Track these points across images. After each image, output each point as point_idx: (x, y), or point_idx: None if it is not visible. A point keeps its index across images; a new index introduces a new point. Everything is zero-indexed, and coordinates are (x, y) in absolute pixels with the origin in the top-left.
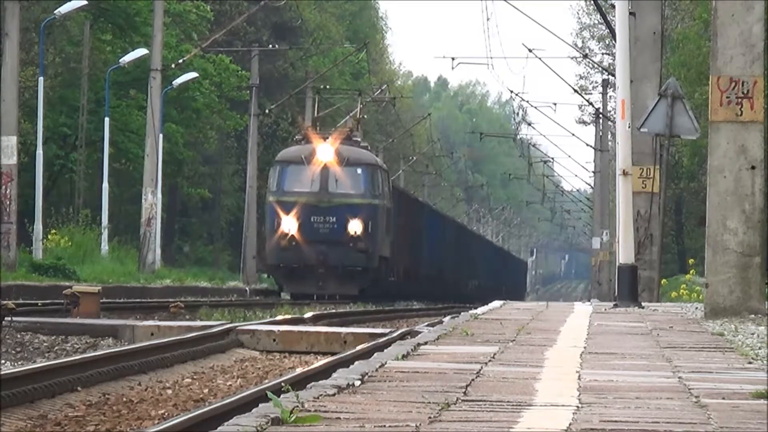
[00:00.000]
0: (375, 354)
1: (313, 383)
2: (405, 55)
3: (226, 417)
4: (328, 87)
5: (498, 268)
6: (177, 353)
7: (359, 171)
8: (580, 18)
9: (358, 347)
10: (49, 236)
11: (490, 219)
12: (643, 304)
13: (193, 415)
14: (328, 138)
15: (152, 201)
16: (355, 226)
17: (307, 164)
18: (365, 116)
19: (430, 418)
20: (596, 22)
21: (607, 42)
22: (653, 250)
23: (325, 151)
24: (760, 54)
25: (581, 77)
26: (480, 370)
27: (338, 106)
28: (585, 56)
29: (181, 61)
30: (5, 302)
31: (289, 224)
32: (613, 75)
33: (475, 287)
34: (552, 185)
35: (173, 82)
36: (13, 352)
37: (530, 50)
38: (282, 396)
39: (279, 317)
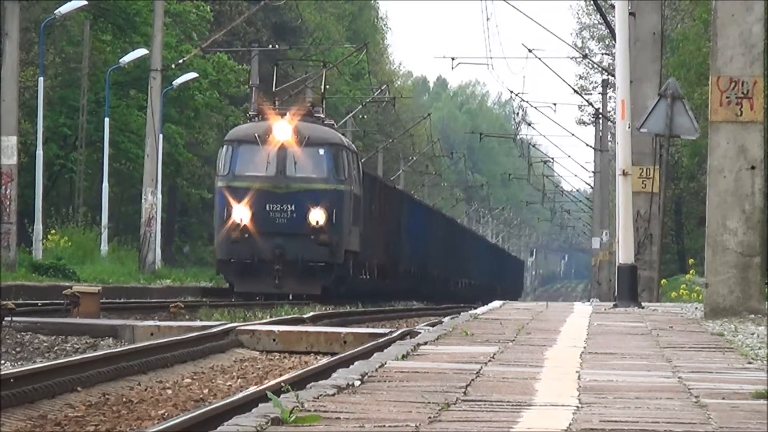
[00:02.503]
0: (375, 354)
1: (313, 383)
2: (405, 55)
3: (226, 417)
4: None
5: (492, 266)
6: (177, 353)
7: (322, 152)
8: (579, 18)
9: (358, 347)
10: (49, 236)
11: (490, 219)
12: (642, 304)
13: (193, 415)
14: (285, 114)
15: (152, 201)
16: (316, 216)
17: (261, 144)
18: (364, 116)
19: (430, 418)
20: (596, 22)
21: (607, 42)
22: (653, 250)
23: (282, 128)
24: (760, 54)
25: (581, 77)
26: (480, 370)
27: (299, 79)
28: (585, 56)
29: (181, 61)
30: (5, 302)
31: (241, 213)
32: (613, 75)
33: (465, 287)
34: (552, 185)
35: (173, 82)
36: (13, 352)
37: (530, 50)
38: (282, 396)
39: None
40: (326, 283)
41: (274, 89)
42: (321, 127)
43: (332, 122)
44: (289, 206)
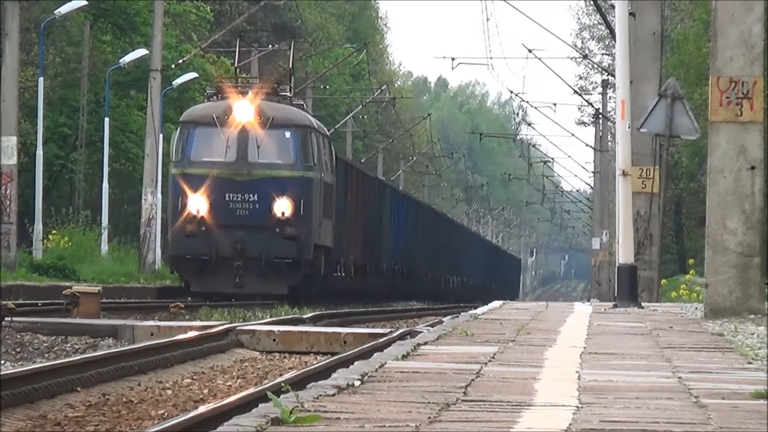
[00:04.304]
0: (375, 354)
1: (313, 383)
2: (405, 56)
3: (226, 417)
4: (251, 29)
5: (487, 264)
6: (177, 353)
7: (288, 135)
8: (579, 18)
9: (358, 347)
10: (50, 236)
11: (490, 219)
12: (642, 304)
13: (193, 415)
14: (247, 92)
15: (152, 201)
16: (282, 206)
17: (219, 126)
18: (364, 116)
19: (430, 418)
20: (596, 22)
21: (607, 42)
22: (653, 250)
23: (244, 109)
24: (760, 54)
25: (581, 78)
26: (480, 370)
27: (264, 53)
28: (585, 57)
29: (180, 61)
30: (5, 302)
31: (197, 204)
32: (613, 75)
33: (457, 286)
34: (552, 185)
35: (173, 83)
36: (13, 352)
37: (530, 50)
38: (282, 396)
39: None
40: (293, 282)
41: (236, 64)
42: (287, 107)
43: (301, 102)
44: (251, 196)
